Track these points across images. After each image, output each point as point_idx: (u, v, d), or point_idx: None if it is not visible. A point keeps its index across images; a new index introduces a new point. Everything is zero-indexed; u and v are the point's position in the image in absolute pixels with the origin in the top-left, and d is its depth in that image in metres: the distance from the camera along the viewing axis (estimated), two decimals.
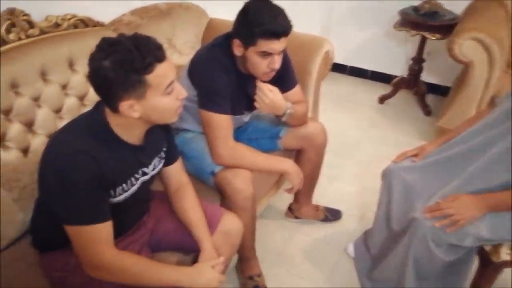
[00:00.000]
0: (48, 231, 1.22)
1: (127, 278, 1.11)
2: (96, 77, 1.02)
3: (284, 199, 2.20)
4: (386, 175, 1.65)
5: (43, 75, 1.60)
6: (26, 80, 1.54)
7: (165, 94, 1.07)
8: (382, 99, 3.23)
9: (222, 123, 1.48)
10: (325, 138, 1.81)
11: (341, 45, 2.98)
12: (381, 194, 1.70)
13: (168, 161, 1.34)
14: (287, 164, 1.59)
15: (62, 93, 1.68)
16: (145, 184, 1.25)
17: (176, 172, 1.38)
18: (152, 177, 1.28)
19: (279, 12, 1.40)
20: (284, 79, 1.61)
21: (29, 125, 1.58)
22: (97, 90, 1.05)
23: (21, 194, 1.43)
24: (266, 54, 1.43)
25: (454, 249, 1.40)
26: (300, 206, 2.07)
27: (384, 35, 3.34)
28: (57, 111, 1.67)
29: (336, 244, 2.00)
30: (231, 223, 1.42)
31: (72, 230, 1.07)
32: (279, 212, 2.17)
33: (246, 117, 1.76)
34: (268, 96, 1.51)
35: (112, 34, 1.85)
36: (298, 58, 1.81)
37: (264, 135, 1.82)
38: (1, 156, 1.49)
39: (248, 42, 1.42)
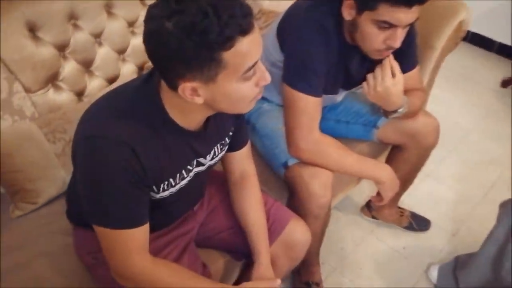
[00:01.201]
0: (79, 212, 1.02)
1: None
2: (152, 41, 0.73)
3: (363, 190, 1.87)
4: (508, 208, 1.24)
5: (108, 8, 1.35)
6: (88, 12, 1.30)
7: (243, 79, 0.76)
8: (506, 83, 2.62)
9: (309, 108, 1.14)
10: (436, 139, 1.41)
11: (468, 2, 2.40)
12: (496, 228, 1.30)
13: (234, 147, 1.07)
14: (384, 172, 1.23)
15: (128, 31, 1.43)
16: (200, 174, 0.99)
17: (241, 159, 1.10)
18: (210, 167, 1.01)
19: None
20: (402, 56, 1.20)
21: (87, 65, 1.37)
22: (153, 59, 0.76)
23: (65, 149, 1.24)
24: (386, 26, 1.03)
25: None
26: (382, 206, 1.72)
27: None
28: (121, 52, 1.44)
29: (417, 261, 1.66)
30: (298, 233, 1.16)
31: (100, 231, 0.85)
32: (355, 205, 1.85)
33: (339, 97, 1.40)
34: (385, 82, 1.13)
35: None
36: (419, 27, 1.36)
37: (357, 120, 1.46)
38: (51, 97, 1.31)
39: (365, 4, 1.03)
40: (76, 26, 1.29)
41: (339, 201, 1.73)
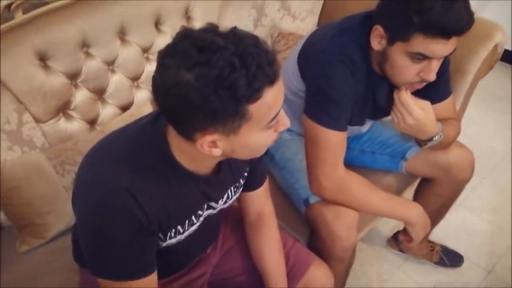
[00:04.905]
0: None
1: None
2: (168, 95, 0.65)
3: (390, 220, 1.74)
4: None
5: (122, 34, 1.31)
6: (100, 39, 1.26)
7: (266, 128, 0.70)
8: None
9: (333, 144, 1.05)
10: (471, 173, 1.30)
11: (500, 16, 2.27)
12: None
13: (250, 187, 0.99)
14: (415, 213, 1.13)
15: (143, 57, 1.38)
16: (211, 217, 0.91)
17: (258, 199, 1.03)
18: (221, 209, 0.93)
19: None
20: (435, 86, 1.09)
21: (99, 93, 1.33)
22: (166, 112, 0.69)
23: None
24: (420, 57, 0.93)
25: None
26: (410, 238, 1.60)
27: None
28: (135, 79, 1.39)
29: None
30: (320, 278, 1.07)
31: (103, 283, 0.78)
32: (381, 236, 1.73)
33: (366, 127, 1.30)
34: (416, 115, 1.02)
35: None
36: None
37: (383, 151, 1.36)
38: (62, 127, 1.26)
39: (398, 34, 0.93)
40: (88, 54, 1.25)
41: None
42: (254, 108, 0.65)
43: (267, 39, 1.68)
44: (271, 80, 0.65)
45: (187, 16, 1.43)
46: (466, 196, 1.89)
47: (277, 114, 0.69)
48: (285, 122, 0.73)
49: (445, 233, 1.72)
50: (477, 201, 1.89)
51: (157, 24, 1.37)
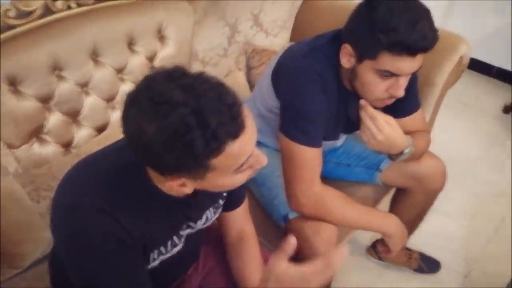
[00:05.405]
0: (64, 278, 0.94)
1: None
2: (133, 142, 0.66)
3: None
4: None
5: (95, 56, 1.30)
6: (73, 62, 1.24)
7: (237, 172, 0.70)
8: (509, 109, 2.56)
9: (309, 160, 1.06)
10: (443, 182, 1.34)
11: (464, 27, 2.36)
12: None
13: (229, 207, 0.99)
14: (392, 225, 1.16)
15: (117, 78, 1.36)
16: (192, 237, 0.91)
17: (238, 219, 1.03)
18: (200, 230, 0.93)
19: (422, 15, 0.92)
20: (404, 100, 1.13)
21: (74, 115, 1.31)
22: (133, 151, 0.69)
23: (50, 208, 1.16)
24: (388, 74, 0.97)
25: None
26: (389, 249, 1.63)
27: None
28: (109, 99, 1.37)
29: None
30: None
31: None
32: (360, 246, 1.76)
33: (340, 141, 1.33)
34: (384, 131, 1.05)
35: (186, 7, 1.47)
36: None
37: (359, 163, 1.39)
38: (36, 151, 1.24)
39: (365, 53, 0.96)
40: (60, 77, 1.23)
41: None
42: (217, 161, 0.64)
43: (241, 56, 1.70)
44: (234, 135, 0.63)
45: (160, 35, 1.43)
46: (441, 201, 1.93)
47: (248, 159, 0.68)
48: (260, 160, 0.72)
49: (422, 239, 1.75)
50: (452, 207, 1.95)
51: (130, 44, 1.37)
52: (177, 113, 0.60)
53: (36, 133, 1.23)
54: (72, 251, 0.74)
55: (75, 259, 0.75)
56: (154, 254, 0.82)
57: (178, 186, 0.69)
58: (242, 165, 0.68)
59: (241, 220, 1.02)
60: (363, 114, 1.05)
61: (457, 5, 2.79)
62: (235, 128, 0.63)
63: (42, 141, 1.25)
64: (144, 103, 0.62)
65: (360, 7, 0.97)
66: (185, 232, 0.88)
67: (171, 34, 1.44)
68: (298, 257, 1.14)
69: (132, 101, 0.64)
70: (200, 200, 0.85)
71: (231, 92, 0.65)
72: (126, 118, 0.65)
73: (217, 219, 1.00)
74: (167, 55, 1.44)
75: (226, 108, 0.62)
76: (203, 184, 0.69)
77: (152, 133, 0.61)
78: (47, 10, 1.19)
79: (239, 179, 0.72)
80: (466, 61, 1.55)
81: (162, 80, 0.63)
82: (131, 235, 0.74)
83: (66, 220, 0.73)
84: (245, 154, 0.67)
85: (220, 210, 0.96)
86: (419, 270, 1.66)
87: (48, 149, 1.27)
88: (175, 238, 0.85)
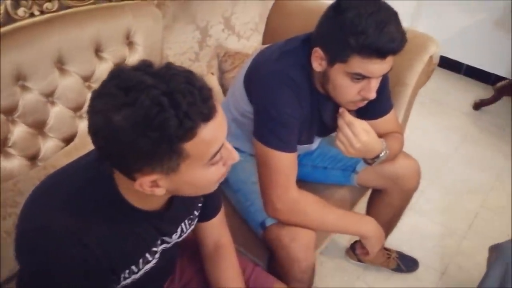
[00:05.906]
0: None
1: None
2: (99, 137, 0.63)
3: None
4: (502, 254, 1.17)
5: (60, 64, 1.25)
6: (37, 71, 1.19)
7: (209, 165, 0.68)
8: (478, 105, 2.62)
9: (284, 165, 1.05)
10: (418, 181, 1.35)
11: (433, 27, 2.42)
12: (489, 275, 1.23)
13: (205, 217, 0.97)
14: (368, 227, 1.15)
15: (84, 86, 1.32)
16: (167, 252, 0.88)
17: (214, 229, 1.01)
18: (176, 243, 0.91)
19: (390, 18, 0.92)
20: (376, 102, 1.13)
21: (39, 127, 1.26)
22: (100, 152, 0.66)
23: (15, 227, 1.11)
24: (359, 77, 0.96)
25: None
26: (367, 251, 1.63)
27: (493, 23, 2.68)
28: (77, 109, 1.32)
29: None
30: None
31: None
32: (340, 248, 1.76)
33: (315, 144, 1.32)
34: (361, 138, 1.04)
35: (155, 12, 1.44)
36: None
37: (335, 165, 1.38)
38: (0, 166, 1.18)
39: (336, 56, 0.96)
40: (24, 88, 1.18)
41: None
42: (190, 146, 0.63)
43: (213, 60, 1.68)
44: (206, 117, 0.63)
45: (129, 41, 1.39)
46: (416, 200, 1.97)
47: (220, 149, 0.68)
48: (233, 155, 0.72)
49: (399, 238, 1.76)
50: (426, 204, 1.97)
51: (97, 51, 1.32)
52: (149, 95, 0.59)
53: (0, 146, 1.18)
54: (39, 278, 0.70)
55: (40, 286, 0.71)
56: (125, 273, 0.79)
57: (150, 187, 0.67)
58: (215, 155, 0.67)
59: (217, 230, 1.00)
60: (340, 122, 1.05)
61: (425, 5, 2.85)
62: (207, 110, 0.63)
63: (7, 154, 1.20)
64: (112, 91, 0.60)
65: (329, 11, 0.97)
66: (159, 248, 0.85)
67: (139, 40, 1.40)
68: (275, 265, 1.13)
69: (98, 93, 0.62)
70: (174, 213, 0.83)
71: (200, 77, 0.65)
72: (92, 112, 0.62)
73: (193, 230, 0.98)
74: (136, 61, 1.40)
75: (197, 90, 0.62)
76: (176, 179, 0.66)
77: (121, 121, 0.59)
78: (9, 18, 1.14)
79: (213, 174, 0.70)
80: (436, 60, 1.57)
81: (129, 70, 0.63)
82: (100, 262, 0.71)
83: (33, 246, 0.69)
84: (217, 142, 0.66)
85: (195, 221, 0.93)
86: (398, 269, 1.67)
87: (14, 162, 1.21)
88: (147, 255, 0.82)
